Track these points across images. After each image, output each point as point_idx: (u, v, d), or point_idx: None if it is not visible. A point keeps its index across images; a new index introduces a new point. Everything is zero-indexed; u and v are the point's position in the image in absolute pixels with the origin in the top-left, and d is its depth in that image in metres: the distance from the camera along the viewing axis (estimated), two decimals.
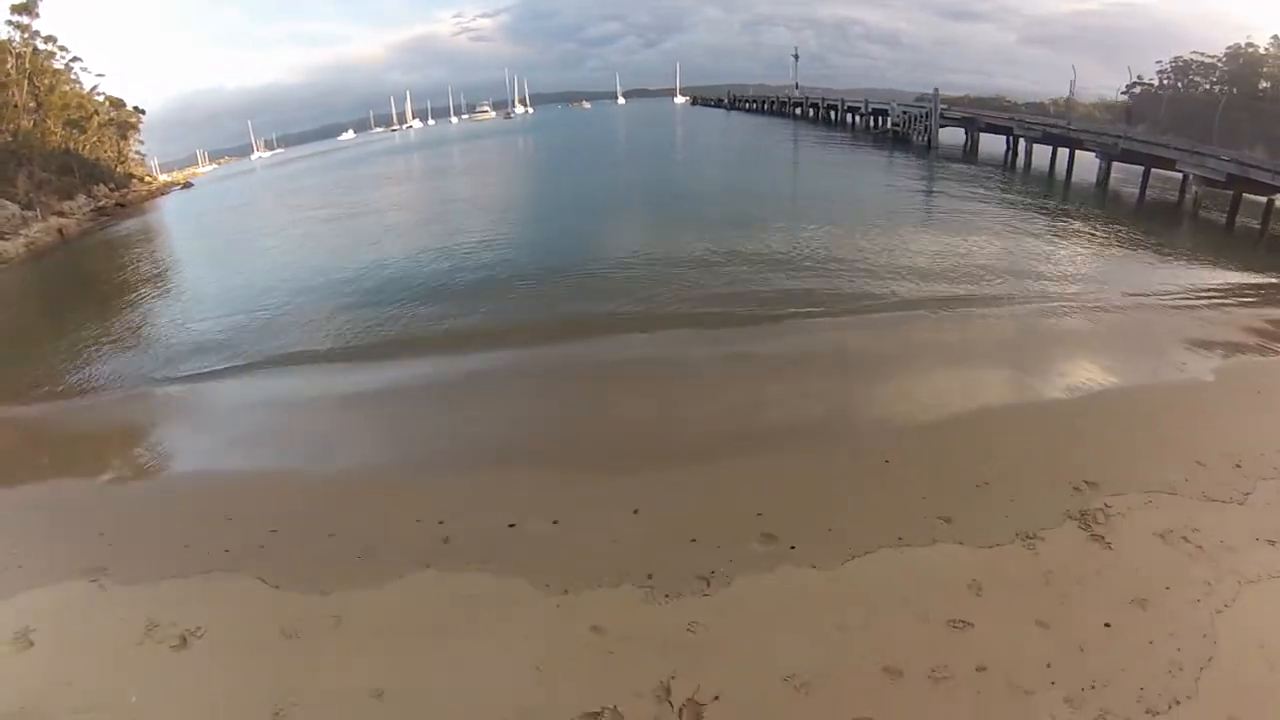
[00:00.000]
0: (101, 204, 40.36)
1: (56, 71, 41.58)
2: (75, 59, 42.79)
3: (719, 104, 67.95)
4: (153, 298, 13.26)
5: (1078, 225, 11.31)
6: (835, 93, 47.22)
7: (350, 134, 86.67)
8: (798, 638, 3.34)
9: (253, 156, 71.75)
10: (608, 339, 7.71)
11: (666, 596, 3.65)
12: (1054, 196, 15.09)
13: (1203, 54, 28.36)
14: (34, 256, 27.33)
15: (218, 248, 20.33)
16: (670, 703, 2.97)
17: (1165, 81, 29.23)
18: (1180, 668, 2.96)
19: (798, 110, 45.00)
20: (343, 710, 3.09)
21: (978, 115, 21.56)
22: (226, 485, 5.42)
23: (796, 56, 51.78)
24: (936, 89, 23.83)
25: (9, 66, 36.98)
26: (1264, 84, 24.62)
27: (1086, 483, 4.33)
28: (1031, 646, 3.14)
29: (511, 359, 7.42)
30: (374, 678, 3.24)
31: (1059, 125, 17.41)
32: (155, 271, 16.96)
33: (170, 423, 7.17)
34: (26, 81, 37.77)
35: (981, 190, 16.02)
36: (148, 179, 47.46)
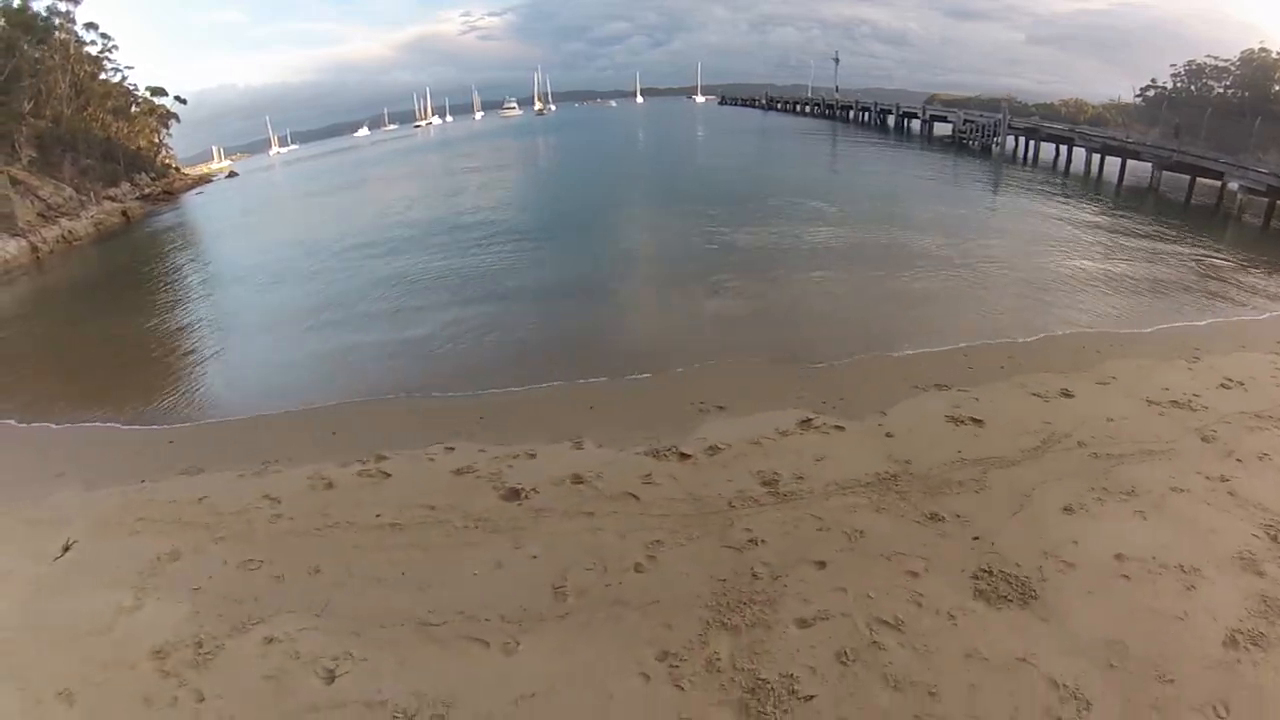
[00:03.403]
0: (147, 192, 42.24)
1: (95, 59, 43.34)
2: (114, 46, 44.23)
3: (752, 104, 70.26)
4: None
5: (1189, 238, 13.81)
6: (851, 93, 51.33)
7: (365, 131, 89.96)
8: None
9: (270, 152, 74.49)
10: None
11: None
12: (1126, 201, 18.11)
13: (1215, 58, 30.99)
14: (102, 237, 29.11)
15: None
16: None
17: (1179, 84, 32.19)
18: None
19: (848, 114, 46.86)
20: None
21: (1040, 126, 25.10)
22: None
23: (837, 60, 54.17)
24: (1006, 102, 26.86)
25: (52, 52, 38.74)
26: (1277, 88, 27.15)
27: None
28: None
29: None
30: None
31: (1117, 139, 20.97)
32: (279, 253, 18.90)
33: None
34: (70, 69, 39.59)
35: (1054, 192, 19.28)
36: (183, 170, 49.48)
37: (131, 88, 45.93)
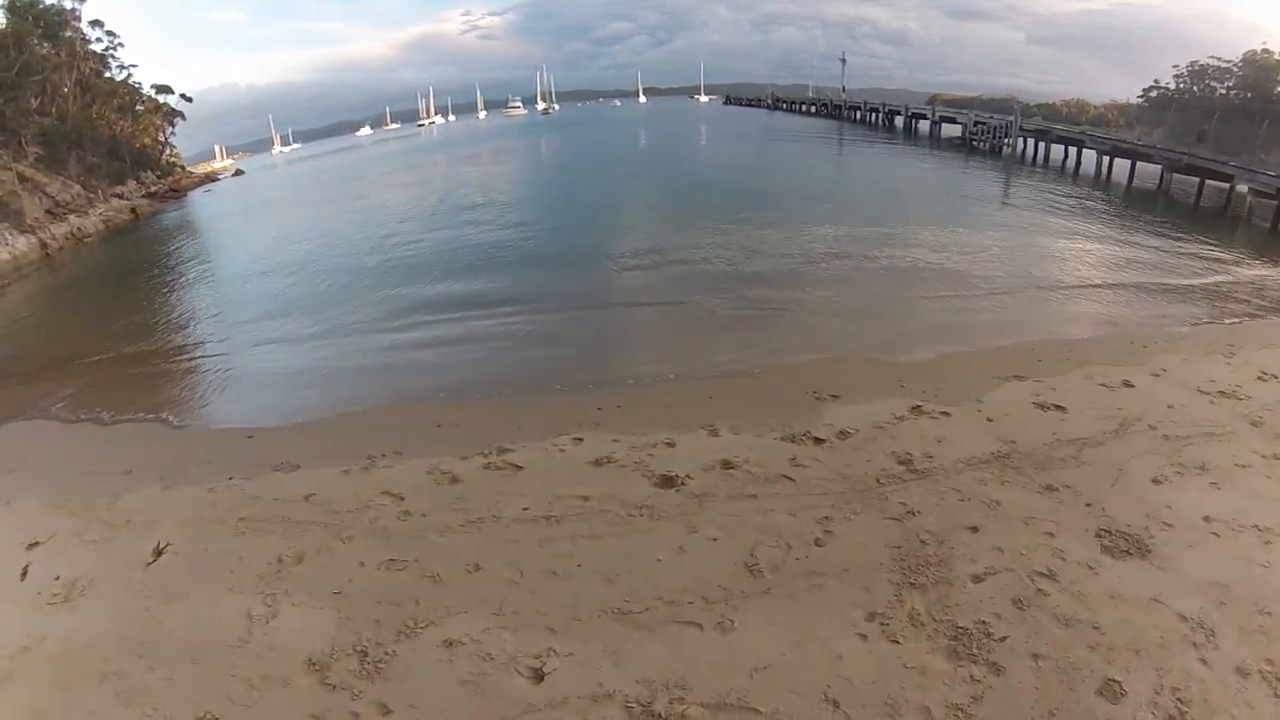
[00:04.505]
0: (154, 190, 42.26)
1: (101, 57, 43.14)
2: (120, 44, 44.05)
3: (757, 104, 71.01)
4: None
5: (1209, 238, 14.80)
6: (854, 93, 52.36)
7: (367, 130, 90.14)
8: None
9: (273, 151, 74.45)
10: None
11: None
12: (1138, 203, 19.01)
13: (1218, 58, 31.61)
14: (112, 234, 29.37)
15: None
16: None
17: (1181, 85, 32.93)
18: None
19: (855, 114, 47.71)
20: None
21: (1050, 128, 26.18)
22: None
23: (844, 60, 56.11)
24: (1017, 104, 27.66)
25: (58, 49, 38.55)
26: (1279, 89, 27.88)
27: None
28: None
29: None
30: None
31: (1128, 141, 22.02)
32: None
33: None
34: (76, 66, 39.41)
35: (1068, 195, 20.10)
36: (189, 169, 49.31)
37: (136, 86, 45.66)
